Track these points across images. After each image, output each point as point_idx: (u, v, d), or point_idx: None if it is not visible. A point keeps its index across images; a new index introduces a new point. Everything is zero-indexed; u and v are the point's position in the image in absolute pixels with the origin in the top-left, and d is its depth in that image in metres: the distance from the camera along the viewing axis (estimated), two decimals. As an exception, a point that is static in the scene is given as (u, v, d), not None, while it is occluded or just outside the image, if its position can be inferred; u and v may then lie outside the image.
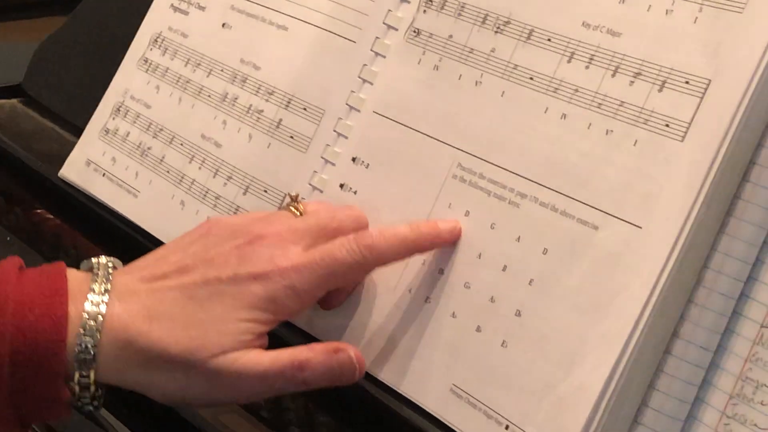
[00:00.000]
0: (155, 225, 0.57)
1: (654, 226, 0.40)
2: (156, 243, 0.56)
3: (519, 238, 0.43)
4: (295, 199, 0.48)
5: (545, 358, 0.41)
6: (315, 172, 0.52)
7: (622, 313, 0.39)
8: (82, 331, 0.41)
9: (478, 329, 0.44)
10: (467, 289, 0.44)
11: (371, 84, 0.51)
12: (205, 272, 0.43)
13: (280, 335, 0.46)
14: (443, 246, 0.45)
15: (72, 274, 0.44)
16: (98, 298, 0.42)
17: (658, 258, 0.39)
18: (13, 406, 0.41)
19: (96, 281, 0.43)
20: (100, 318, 0.42)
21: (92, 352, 0.41)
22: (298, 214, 0.47)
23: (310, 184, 0.52)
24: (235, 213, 0.55)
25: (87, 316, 0.42)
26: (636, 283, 0.40)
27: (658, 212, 0.40)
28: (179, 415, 0.47)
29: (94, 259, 0.45)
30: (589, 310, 0.40)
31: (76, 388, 0.42)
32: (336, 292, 0.47)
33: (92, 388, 0.42)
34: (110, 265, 0.44)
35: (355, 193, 0.50)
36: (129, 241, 0.58)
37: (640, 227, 0.40)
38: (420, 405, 0.44)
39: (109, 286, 0.43)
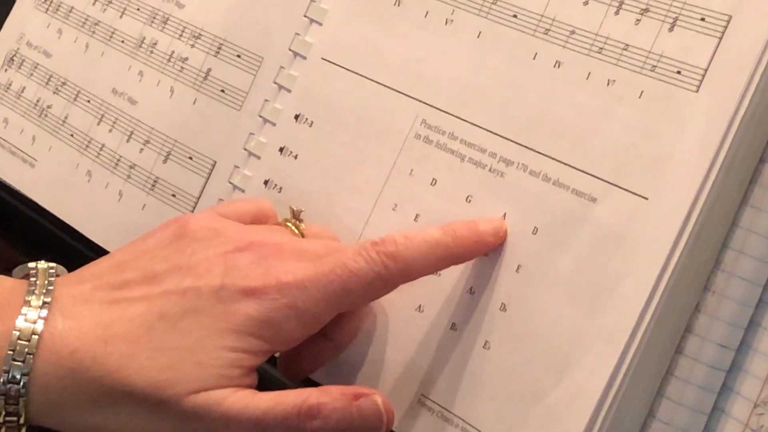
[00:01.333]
0: (56, 201, 0.56)
1: (663, 197, 0.39)
2: (61, 226, 0.54)
3: (504, 215, 0.42)
4: (296, 216, 0.45)
5: (534, 361, 0.40)
6: (251, 134, 0.50)
7: (625, 304, 0.39)
8: (10, 353, 0.38)
9: (454, 327, 0.42)
10: (439, 278, 0.43)
11: (320, 24, 0.50)
12: (181, 282, 0.40)
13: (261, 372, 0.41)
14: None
15: (1, 282, 0.41)
16: (35, 313, 0.39)
17: (668, 236, 0.38)
18: None
19: (33, 292, 0.40)
20: (35, 338, 0.39)
21: (22, 383, 0.38)
22: (297, 233, 0.45)
23: (245, 149, 0.50)
24: (153, 186, 0.53)
25: (18, 335, 0.39)
26: (641, 267, 0.39)
27: (667, 179, 0.39)
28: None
29: (31, 264, 0.42)
30: (585, 301, 0.39)
31: (2, 431, 0.39)
32: (328, 344, 0.43)
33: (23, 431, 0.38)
34: (52, 271, 0.41)
35: (295, 157, 0.48)
36: (26, 223, 0.56)
37: (647, 198, 0.39)
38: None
39: (49, 299, 0.40)
